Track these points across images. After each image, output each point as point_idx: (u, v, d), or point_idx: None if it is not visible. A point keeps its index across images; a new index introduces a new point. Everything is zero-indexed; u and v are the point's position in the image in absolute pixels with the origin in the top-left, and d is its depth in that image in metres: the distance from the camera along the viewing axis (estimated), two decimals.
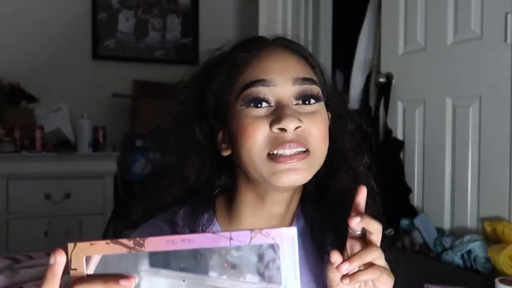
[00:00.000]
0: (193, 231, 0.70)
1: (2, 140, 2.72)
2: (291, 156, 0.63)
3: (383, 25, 2.19)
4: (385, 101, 2.13)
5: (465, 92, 1.81)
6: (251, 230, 0.48)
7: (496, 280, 1.36)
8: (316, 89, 0.68)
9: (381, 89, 2.16)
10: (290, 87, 0.66)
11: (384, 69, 2.16)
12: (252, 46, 0.71)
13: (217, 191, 0.75)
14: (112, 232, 2.68)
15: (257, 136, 0.64)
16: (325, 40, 2.81)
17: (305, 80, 0.67)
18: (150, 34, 3.40)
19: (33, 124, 2.87)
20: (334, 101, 0.75)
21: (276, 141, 0.63)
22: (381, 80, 2.13)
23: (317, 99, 0.68)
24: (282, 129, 0.63)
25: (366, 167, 0.76)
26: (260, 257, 0.48)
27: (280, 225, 0.73)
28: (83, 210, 2.86)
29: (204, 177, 0.72)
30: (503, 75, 1.65)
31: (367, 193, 0.66)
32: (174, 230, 0.71)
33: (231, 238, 0.48)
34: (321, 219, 0.75)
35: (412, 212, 1.96)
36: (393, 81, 2.11)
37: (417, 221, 1.82)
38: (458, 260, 1.62)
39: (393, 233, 1.91)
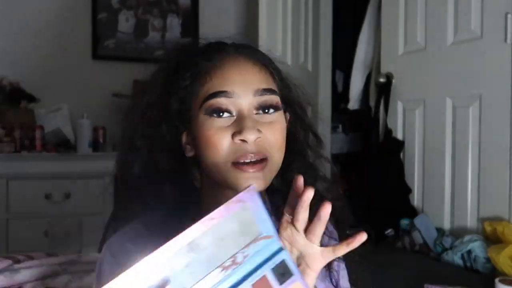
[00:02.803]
0: (167, 231, 0.71)
1: (2, 140, 2.71)
2: (253, 166, 0.68)
3: (383, 25, 2.19)
4: (385, 101, 2.13)
5: (465, 92, 1.81)
6: (225, 204, 0.52)
7: (496, 280, 1.36)
8: (275, 99, 0.72)
9: (381, 89, 2.16)
10: (251, 98, 0.70)
11: (384, 69, 2.16)
12: (215, 55, 0.73)
13: (188, 188, 0.78)
14: (112, 232, 2.68)
15: (221, 146, 0.69)
16: (325, 40, 2.81)
17: (265, 91, 0.71)
18: (150, 34, 3.40)
19: (33, 124, 2.87)
20: (294, 101, 0.81)
21: (239, 151, 0.68)
22: (381, 80, 2.13)
23: (276, 108, 0.72)
24: (244, 140, 0.68)
25: (322, 158, 0.83)
26: (240, 224, 0.53)
27: None
28: (83, 210, 2.86)
29: (176, 175, 0.75)
30: (503, 75, 1.65)
31: (319, 179, 0.78)
32: (146, 233, 0.72)
33: (212, 218, 0.51)
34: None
35: (412, 212, 1.96)
36: (393, 81, 2.11)
37: (417, 221, 1.82)
38: (458, 260, 1.62)
39: (393, 233, 1.91)
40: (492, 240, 1.61)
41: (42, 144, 2.82)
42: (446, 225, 1.86)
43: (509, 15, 1.63)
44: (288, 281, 0.56)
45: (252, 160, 0.68)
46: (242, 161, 0.68)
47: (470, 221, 1.78)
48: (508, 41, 1.63)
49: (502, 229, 1.57)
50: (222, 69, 0.71)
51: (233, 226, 0.53)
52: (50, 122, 2.95)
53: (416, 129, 2.02)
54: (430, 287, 1.46)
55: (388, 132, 2.11)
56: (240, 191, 0.54)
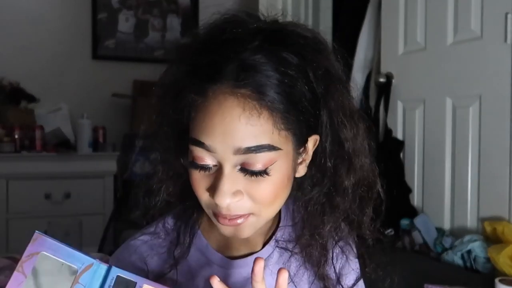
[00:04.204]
0: (178, 235, 0.71)
1: (2, 140, 2.72)
2: (230, 221, 0.62)
3: (383, 25, 2.19)
4: (385, 101, 2.13)
5: (465, 92, 1.81)
6: (17, 267, 0.49)
7: (496, 280, 1.36)
8: (263, 157, 0.60)
9: (381, 89, 2.16)
10: (230, 156, 0.59)
11: (384, 69, 2.16)
12: (207, 85, 0.60)
13: None
14: (112, 232, 2.68)
15: (200, 196, 0.64)
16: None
17: (250, 149, 0.59)
18: (150, 34, 3.40)
19: (33, 124, 2.88)
20: (331, 120, 0.67)
21: (215, 208, 0.63)
22: (381, 80, 2.13)
23: (265, 164, 0.60)
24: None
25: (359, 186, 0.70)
26: (48, 274, 0.50)
27: (257, 235, 0.73)
28: (83, 210, 2.87)
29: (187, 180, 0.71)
30: (503, 75, 1.65)
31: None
32: (161, 242, 0.71)
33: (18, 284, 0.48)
34: (303, 223, 0.74)
35: (412, 212, 1.96)
36: (393, 81, 2.11)
37: (417, 221, 1.82)
38: (458, 260, 1.62)
39: (393, 233, 1.91)
40: (492, 240, 1.61)
41: (42, 144, 2.83)
42: (446, 225, 1.86)
43: (509, 15, 1.63)
44: None
45: (230, 218, 0.62)
46: (219, 216, 0.63)
47: (470, 221, 1.78)
48: (508, 41, 1.63)
49: (502, 229, 1.57)
50: (206, 112, 0.60)
51: (42, 282, 0.49)
52: (50, 122, 2.95)
53: (416, 129, 2.02)
54: (430, 287, 1.46)
55: (388, 132, 2.11)
56: (29, 248, 0.50)
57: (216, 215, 0.63)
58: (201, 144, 0.60)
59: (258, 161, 0.60)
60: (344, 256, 0.77)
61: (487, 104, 1.72)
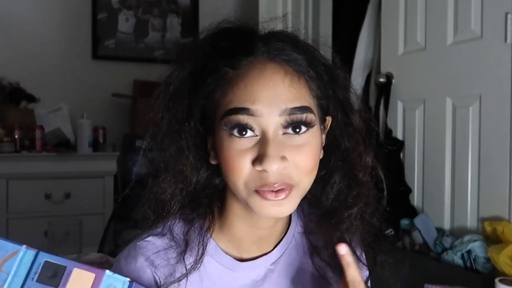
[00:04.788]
0: (187, 241, 0.70)
1: (2, 140, 2.72)
2: (276, 193, 0.62)
3: (383, 25, 2.19)
4: (385, 101, 2.13)
5: (465, 92, 1.81)
6: None
7: (496, 280, 1.36)
8: (307, 117, 0.62)
9: (381, 89, 2.16)
10: (276, 118, 0.61)
11: (384, 69, 2.16)
12: (241, 59, 0.63)
13: (211, 194, 0.73)
14: (112, 232, 2.68)
15: (241, 173, 0.62)
16: (325, 40, 2.80)
17: (295, 109, 0.61)
18: (150, 34, 3.40)
19: (33, 124, 2.88)
20: (340, 101, 0.70)
21: (260, 181, 0.62)
22: (381, 80, 2.13)
23: (308, 126, 0.63)
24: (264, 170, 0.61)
25: (369, 170, 0.72)
26: None
27: (272, 233, 0.73)
28: (83, 210, 2.86)
29: (201, 178, 0.70)
30: (503, 75, 1.65)
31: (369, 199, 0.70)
32: (169, 245, 0.70)
33: None
34: (317, 223, 0.75)
35: (412, 212, 1.96)
36: (393, 81, 2.11)
37: (417, 221, 1.82)
38: (458, 260, 1.62)
39: (393, 233, 1.91)
40: (492, 240, 1.61)
41: (42, 144, 2.82)
42: (446, 225, 1.86)
43: (509, 15, 1.63)
44: (65, 276, 0.52)
45: (275, 190, 0.62)
46: (264, 189, 0.62)
47: (470, 221, 1.78)
48: (508, 41, 1.63)
49: (502, 229, 1.57)
50: (246, 80, 0.62)
51: None
52: (50, 122, 2.95)
53: (416, 129, 2.02)
54: (430, 287, 1.46)
55: (388, 132, 2.11)
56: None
57: (260, 192, 0.62)
58: (244, 110, 0.61)
59: (303, 120, 0.62)
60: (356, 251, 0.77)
61: (487, 104, 1.72)
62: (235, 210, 0.70)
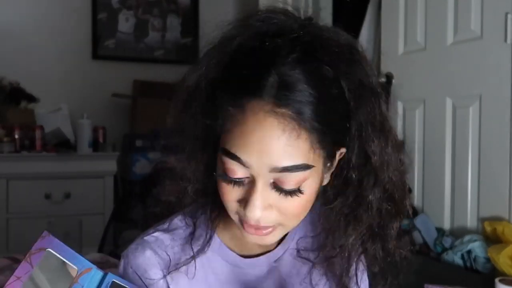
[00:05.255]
0: (193, 235, 0.71)
1: (2, 140, 2.72)
2: (257, 230, 0.63)
3: (383, 25, 2.19)
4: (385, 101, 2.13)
5: (465, 92, 1.81)
6: (24, 259, 0.52)
7: (496, 280, 1.35)
8: (298, 176, 0.60)
9: (381, 89, 2.16)
10: (266, 173, 0.59)
11: (384, 69, 2.16)
12: (245, 98, 0.59)
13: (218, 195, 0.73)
14: (112, 232, 2.68)
15: (228, 204, 0.63)
16: None
17: (286, 168, 0.59)
18: (150, 34, 3.40)
19: (33, 124, 2.88)
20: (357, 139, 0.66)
21: (244, 216, 0.62)
22: (381, 80, 2.13)
23: (299, 185, 0.61)
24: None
25: (377, 205, 0.69)
26: (50, 271, 0.53)
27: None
28: (83, 210, 2.87)
29: (210, 181, 0.70)
30: (503, 75, 1.65)
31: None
32: (175, 239, 0.71)
33: (18, 277, 0.51)
34: (312, 241, 0.75)
35: (412, 212, 1.96)
36: (393, 81, 2.11)
37: (417, 221, 1.82)
38: (458, 260, 1.62)
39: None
40: (492, 240, 1.61)
41: (42, 144, 2.82)
42: (446, 225, 1.86)
43: (509, 15, 1.63)
44: None
45: (257, 227, 0.62)
46: (247, 223, 0.63)
47: (470, 221, 1.78)
48: (508, 41, 1.63)
49: (502, 229, 1.57)
50: (243, 128, 0.59)
51: (43, 276, 0.52)
52: (50, 122, 2.95)
53: (416, 129, 2.02)
54: (430, 287, 1.46)
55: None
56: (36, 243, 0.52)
57: (243, 222, 0.63)
58: (236, 158, 0.59)
59: (292, 180, 0.60)
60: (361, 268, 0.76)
61: (487, 104, 1.72)
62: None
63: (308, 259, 0.74)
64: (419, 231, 1.80)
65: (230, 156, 0.60)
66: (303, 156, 0.60)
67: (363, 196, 0.67)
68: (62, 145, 2.90)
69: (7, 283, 0.50)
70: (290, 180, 0.60)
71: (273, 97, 0.58)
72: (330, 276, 0.75)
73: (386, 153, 0.68)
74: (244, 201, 0.61)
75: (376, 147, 0.66)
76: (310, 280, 0.67)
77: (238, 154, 0.59)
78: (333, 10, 2.83)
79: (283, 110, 0.58)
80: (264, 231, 0.63)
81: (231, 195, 0.62)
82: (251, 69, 0.60)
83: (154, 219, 0.75)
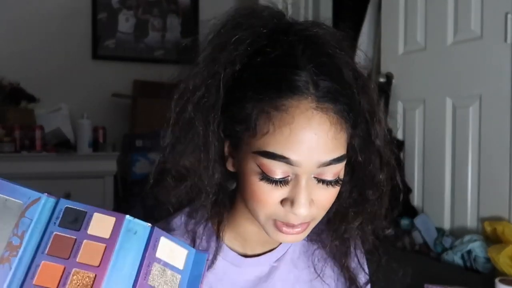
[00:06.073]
0: (193, 235, 0.70)
1: (2, 140, 2.72)
2: (294, 227, 0.63)
3: (383, 25, 2.19)
4: (385, 101, 2.13)
5: (465, 92, 1.81)
6: None
7: (496, 280, 1.36)
8: (339, 167, 0.61)
9: (381, 89, 2.16)
10: (314, 168, 0.59)
11: (384, 69, 2.16)
12: (289, 97, 0.58)
13: (222, 195, 0.71)
14: None
15: (267, 208, 0.62)
16: None
17: (333, 161, 0.60)
18: (150, 34, 3.40)
19: (33, 124, 2.87)
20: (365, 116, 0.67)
21: (284, 218, 0.62)
22: (381, 80, 2.13)
23: (338, 172, 0.62)
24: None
25: (381, 188, 0.71)
26: None
27: None
28: None
29: (216, 179, 0.68)
30: (503, 75, 1.65)
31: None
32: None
33: None
34: (318, 231, 0.75)
35: (412, 212, 1.96)
36: (393, 81, 2.11)
37: (417, 221, 1.82)
38: (458, 260, 1.62)
39: (393, 233, 1.91)
40: (492, 240, 1.61)
41: (42, 144, 2.82)
42: (446, 225, 1.86)
43: (509, 15, 1.63)
44: (86, 221, 0.52)
45: (296, 226, 0.63)
46: (284, 224, 0.62)
47: (470, 221, 1.78)
48: (508, 41, 1.63)
49: (502, 229, 1.57)
50: (291, 126, 0.58)
51: None
52: (50, 122, 2.95)
53: (416, 129, 2.02)
54: (430, 287, 1.46)
55: (388, 132, 2.11)
56: None
57: (279, 225, 0.62)
58: (285, 159, 0.58)
59: (333, 171, 0.61)
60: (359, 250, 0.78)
61: (487, 104, 1.72)
62: (245, 214, 0.69)
63: (320, 241, 0.75)
64: (419, 231, 1.80)
65: (276, 158, 0.58)
66: (343, 146, 0.61)
67: (372, 177, 0.69)
68: (62, 145, 2.90)
69: None
70: (331, 172, 0.61)
71: (313, 94, 0.59)
72: (334, 261, 0.76)
73: (383, 135, 0.70)
74: (290, 202, 0.60)
75: (377, 129, 0.68)
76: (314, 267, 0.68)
77: (287, 155, 0.58)
78: (333, 10, 2.83)
79: (326, 105, 0.59)
80: (299, 229, 0.63)
81: (272, 196, 0.61)
82: (276, 68, 0.60)
83: (154, 219, 0.75)
